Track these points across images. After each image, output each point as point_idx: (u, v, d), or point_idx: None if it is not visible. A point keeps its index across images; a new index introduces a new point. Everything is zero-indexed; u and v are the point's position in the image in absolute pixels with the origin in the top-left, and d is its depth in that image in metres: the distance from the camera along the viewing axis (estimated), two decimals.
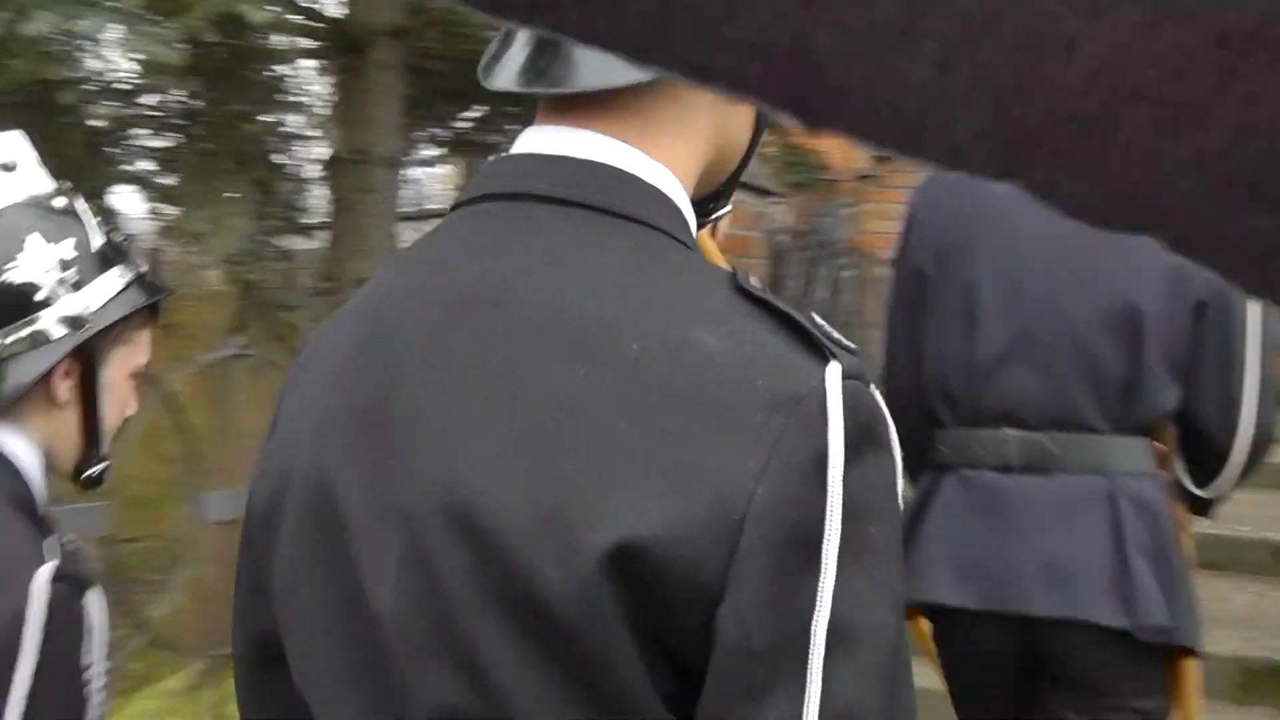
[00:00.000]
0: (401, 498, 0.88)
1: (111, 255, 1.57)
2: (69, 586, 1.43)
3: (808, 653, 0.79)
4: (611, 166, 0.93)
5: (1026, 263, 2.20)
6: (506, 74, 0.95)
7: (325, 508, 0.92)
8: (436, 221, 1.03)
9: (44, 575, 1.40)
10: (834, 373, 0.83)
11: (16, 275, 1.48)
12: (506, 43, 0.96)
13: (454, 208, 1.00)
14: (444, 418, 0.88)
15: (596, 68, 0.90)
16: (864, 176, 6.29)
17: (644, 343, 0.84)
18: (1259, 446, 2.24)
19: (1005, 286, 2.22)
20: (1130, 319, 2.16)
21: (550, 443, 0.83)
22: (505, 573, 0.83)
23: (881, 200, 5.97)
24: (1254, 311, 2.20)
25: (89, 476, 1.62)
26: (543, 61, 0.94)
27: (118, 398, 1.60)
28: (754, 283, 0.89)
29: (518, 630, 0.83)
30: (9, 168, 1.53)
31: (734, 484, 0.79)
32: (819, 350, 0.84)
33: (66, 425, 1.55)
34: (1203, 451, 2.26)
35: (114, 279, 1.55)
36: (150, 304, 1.60)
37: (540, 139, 0.96)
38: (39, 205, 1.53)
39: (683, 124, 0.96)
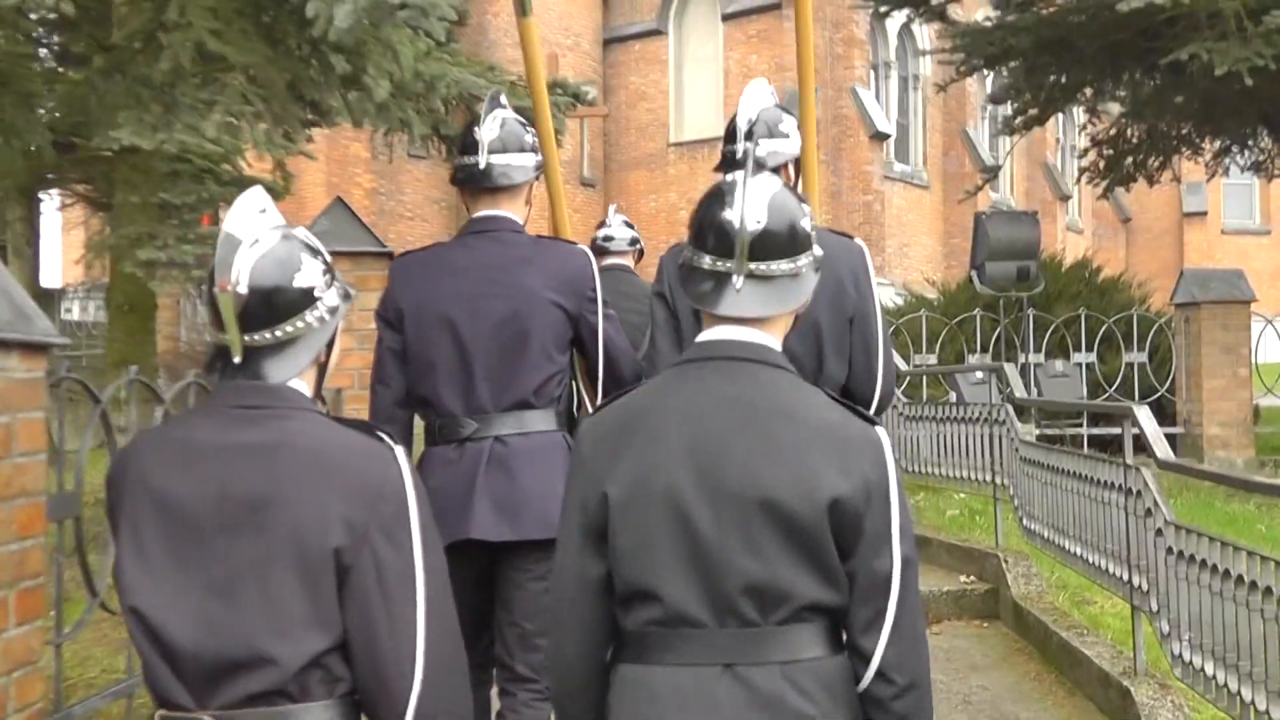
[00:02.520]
0: (728, 485, 2.19)
1: (329, 265, 2.32)
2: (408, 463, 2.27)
3: (892, 535, 2.22)
4: (766, 347, 2.31)
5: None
6: (727, 306, 2.30)
7: (673, 498, 2.20)
8: None
9: (400, 451, 2.23)
10: (880, 430, 2.29)
11: (302, 281, 2.24)
12: (721, 285, 2.31)
13: (682, 362, 2.36)
14: (737, 447, 2.21)
15: (754, 305, 2.30)
16: None
17: (808, 416, 2.24)
18: (885, 399, 3.75)
19: None
20: (815, 329, 3.53)
21: (794, 452, 2.19)
22: (779, 510, 2.17)
23: None
24: (882, 321, 3.74)
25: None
26: (737, 298, 2.30)
27: (335, 361, 2.40)
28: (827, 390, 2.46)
29: (782, 537, 2.17)
30: (264, 210, 2.24)
31: (861, 474, 2.20)
32: (866, 419, 2.30)
33: (311, 377, 2.32)
34: (857, 403, 3.21)
35: (336, 282, 2.33)
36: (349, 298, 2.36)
37: (728, 332, 2.32)
38: (288, 234, 2.26)
39: (781, 326, 2.38)
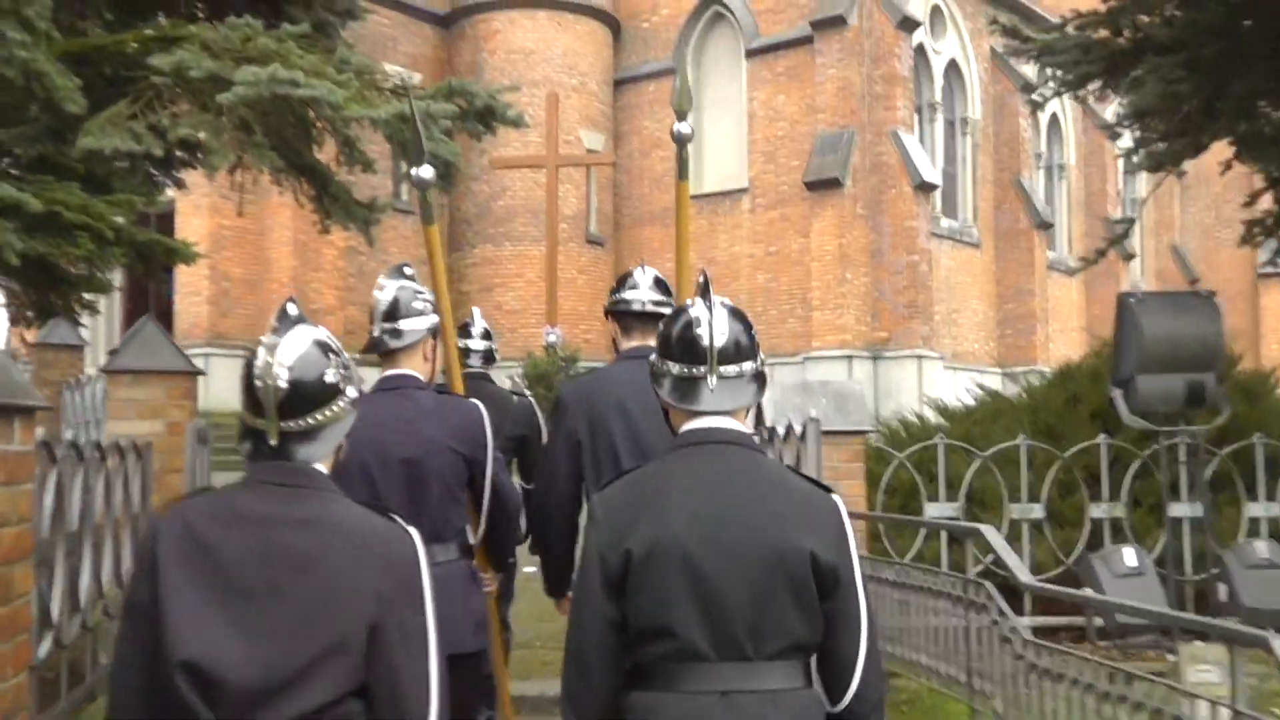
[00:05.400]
0: (729, 543, 2.73)
1: (347, 364, 2.75)
2: None
3: (857, 582, 2.80)
4: (742, 432, 2.92)
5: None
6: (706, 403, 2.90)
7: (684, 554, 2.72)
8: None
9: (414, 532, 2.72)
10: (836, 496, 2.90)
11: (330, 377, 2.66)
12: (696, 387, 2.92)
13: (679, 446, 2.90)
14: (736, 513, 2.76)
15: (726, 400, 2.92)
16: None
17: (785, 486, 2.86)
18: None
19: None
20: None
21: (779, 517, 2.77)
22: (774, 564, 2.72)
23: None
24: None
25: None
26: (711, 397, 2.91)
27: (345, 453, 2.94)
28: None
29: (777, 586, 2.71)
30: (299, 315, 2.71)
31: (829, 533, 2.79)
32: (824, 487, 2.93)
33: (329, 464, 2.77)
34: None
35: (352, 380, 2.76)
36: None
37: (710, 422, 2.90)
38: (317, 337, 2.70)
39: (744, 416, 2.98)
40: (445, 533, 4.24)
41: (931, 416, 11.00)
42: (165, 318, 22.32)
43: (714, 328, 2.91)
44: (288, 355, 2.60)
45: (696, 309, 2.94)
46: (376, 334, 4.34)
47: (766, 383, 3.01)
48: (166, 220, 22.06)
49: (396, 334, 4.33)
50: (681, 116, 4.52)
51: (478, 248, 25.99)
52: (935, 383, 23.90)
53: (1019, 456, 9.01)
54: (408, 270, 4.47)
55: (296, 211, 22.38)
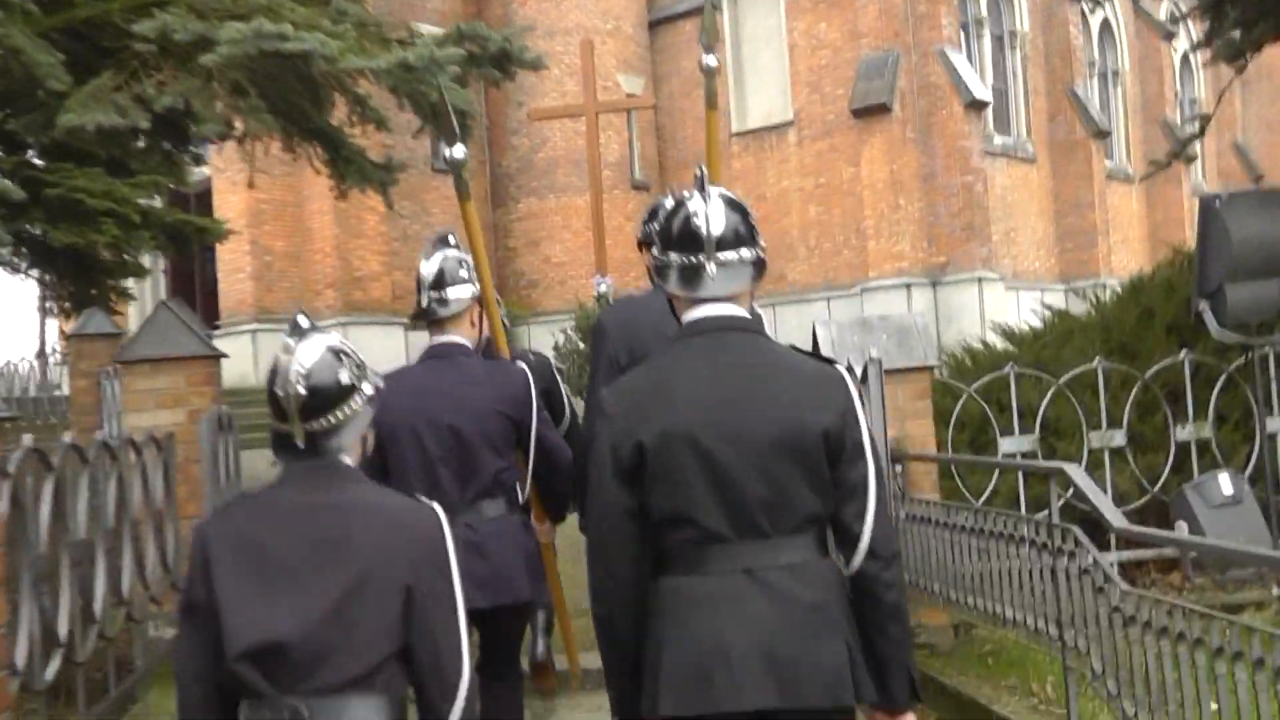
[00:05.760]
0: (739, 428, 2.86)
1: (360, 364, 2.95)
2: None
3: (864, 447, 2.93)
4: (744, 317, 3.03)
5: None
6: (707, 289, 3.00)
7: (696, 442, 2.85)
8: None
9: (439, 508, 2.96)
10: (841, 366, 3.04)
11: (344, 379, 2.87)
12: (697, 274, 3.01)
13: (679, 339, 3.05)
14: (744, 398, 2.90)
15: (726, 286, 3.02)
16: None
17: (791, 367, 2.99)
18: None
19: None
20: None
21: (787, 397, 2.89)
22: (784, 443, 2.85)
23: None
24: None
25: None
26: (712, 283, 3.01)
27: (371, 443, 3.15)
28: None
29: (788, 463, 2.85)
30: (312, 326, 2.92)
31: (838, 406, 2.91)
32: (828, 360, 3.09)
33: (356, 454, 2.99)
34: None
35: (367, 377, 2.97)
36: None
37: (713, 310, 3.01)
38: (330, 344, 2.90)
39: (745, 301, 3.07)
40: (495, 491, 4.44)
41: (997, 342, 10.44)
42: (210, 298, 22.11)
43: (710, 216, 3.01)
44: (303, 363, 2.83)
45: (694, 201, 3.03)
46: (425, 303, 4.54)
47: (765, 268, 3.10)
48: (204, 199, 21.79)
49: (444, 302, 4.52)
50: (709, 49, 4.68)
51: (521, 202, 25.54)
52: (997, 304, 23.26)
53: (1095, 380, 8.31)
54: (451, 240, 4.67)
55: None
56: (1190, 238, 11.88)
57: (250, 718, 2.72)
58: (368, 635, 2.72)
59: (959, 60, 23.94)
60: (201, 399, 6.38)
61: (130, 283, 13.72)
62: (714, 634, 2.82)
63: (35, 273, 12.82)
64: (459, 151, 4.86)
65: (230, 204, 21.03)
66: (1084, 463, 7.54)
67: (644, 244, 4.73)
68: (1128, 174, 30.54)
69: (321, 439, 2.84)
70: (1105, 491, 7.38)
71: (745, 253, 3.02)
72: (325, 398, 2.82)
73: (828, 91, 24.67)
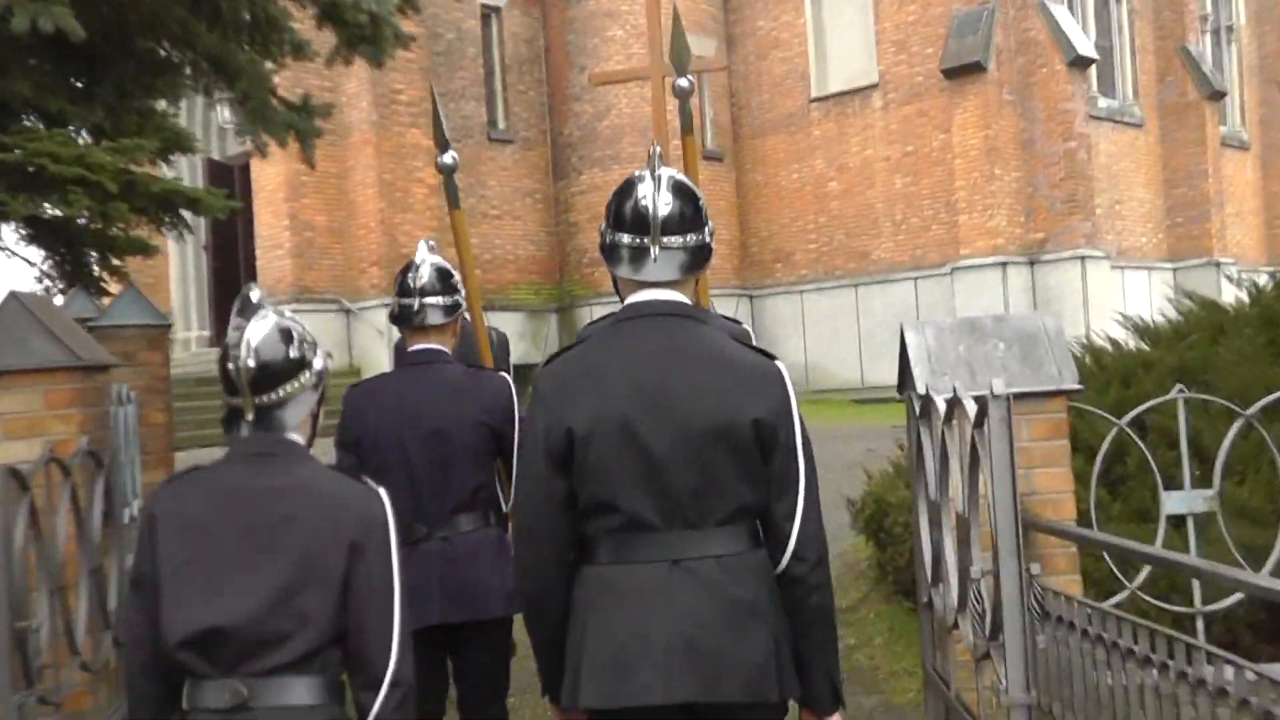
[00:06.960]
0: (671, 415, 2.84)
1: (311, 340, 3.01)
2: None
3: (796, 446, 2.92)
4: (684, 303, 3.01)
5: None
6: (649, 273, 2.98)
7: (627, 428, 2.83)
8: None
9: (384, 492, 2.95)
10: (779, 362, 3.00)
11: (294, 353, 2.92)
12: (641, 257, 2.98)
13: (617, 321, 3.02)
14: (678, 384, 2.87)
15: (669, 271, 2.99)
16: None
17: (728, 356, 2.95)
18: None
19: None
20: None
21: (722, 386, 2.88)
22: (717, 432, 2.84)
23: None
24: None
25: None
26: (655, 267, 2.98)
27: (321, 420, 3.15)
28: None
29: (720, 453, 2.84)
30: (261, 305, 2.96)
31: (772, 399, 2.91)
32: (767, 355, 3.02)
33: (306, 430, 3.01)
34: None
35: (318, 352, 3.03)
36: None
37: (653, 294, 2.99)
38: (279, 320, 2.95)
39: (689, 288, 3.06)
40: (474, 502, 4.44)
41: (1127, 340, 8.44)
42: (250, 275, 20.62)
43: (658, 199, 2.99)
44: (253, 338, 2.87)
45: (645, 184, 3.01)
46: (415, 308, 4.49)
47: (711, 255, 3.08)
48: (245, 172, 20.39)
49: (435, 310, 4.51)
50: (681, 72, 4.99)
51: (584, 174, 23.82)
52: (1101, 287, 21.24)
53: None
54: (431, 244, 4.68)
55: (380, 149, 20.51)
56: None
57: (191, 695, 2.74)
58: (310, 618, 2.74)
59: (1061, 13, 21.84)
60: (66, 426, 4.53)
61: (120, 263, 12.16)
62: (637, 625, 2.82)
63: (22, 249, 11.46)
64: (449, 158, 4.99)
65: (268, 175, 19.56)
66: None
67: None
68: (1242, 140, 28.23)
69: (270, 413, 2.89)
70: None
71: (691, 239, 3.01)
72: (274, 372, 2.88)
73: (916, 50, 22.66)
